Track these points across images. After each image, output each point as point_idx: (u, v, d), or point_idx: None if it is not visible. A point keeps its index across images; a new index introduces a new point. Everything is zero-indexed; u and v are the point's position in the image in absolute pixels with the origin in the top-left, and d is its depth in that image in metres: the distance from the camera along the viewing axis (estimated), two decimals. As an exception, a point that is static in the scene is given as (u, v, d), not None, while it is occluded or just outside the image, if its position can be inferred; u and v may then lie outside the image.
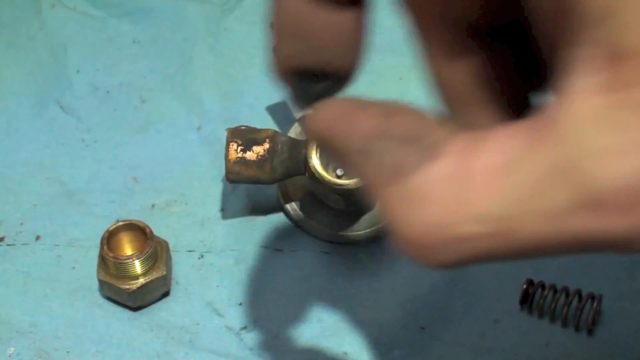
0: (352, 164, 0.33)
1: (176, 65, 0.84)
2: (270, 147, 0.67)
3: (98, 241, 0.68)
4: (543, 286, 0.66)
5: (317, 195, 0.72)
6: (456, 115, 0.36)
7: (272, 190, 0.74)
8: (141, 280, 0.66)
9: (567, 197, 0.28)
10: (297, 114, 0.75)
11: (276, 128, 0.79)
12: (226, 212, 0.74)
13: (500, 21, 0.35)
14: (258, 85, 0.82)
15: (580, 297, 0.65)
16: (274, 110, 0.81)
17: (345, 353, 0.66)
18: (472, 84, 0.36)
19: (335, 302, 0.69)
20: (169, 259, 0.68)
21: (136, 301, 0.67)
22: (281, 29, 0.36)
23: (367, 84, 0.83)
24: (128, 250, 0.69)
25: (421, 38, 0.36)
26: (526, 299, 0.66)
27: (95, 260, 0.70)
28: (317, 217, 0.72)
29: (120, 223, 0.68)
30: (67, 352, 0.66)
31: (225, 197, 0.75)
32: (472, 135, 0.31)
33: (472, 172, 0.30)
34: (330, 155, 0.34)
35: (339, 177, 0.67)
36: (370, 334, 0.67)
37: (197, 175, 0.77)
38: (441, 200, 0.30)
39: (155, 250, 0.66)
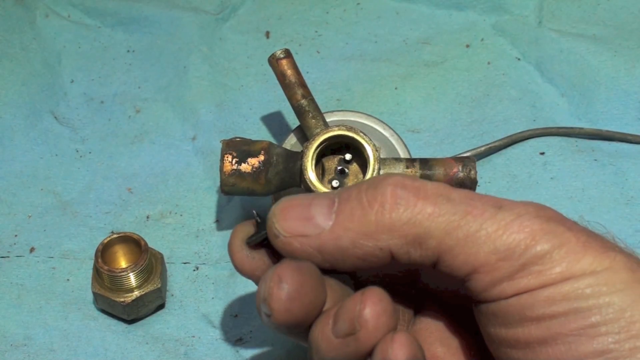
0: None
1: (171, 75, 0.84)
2: (265, 158, 0.66)
3: (92, 253, 0.68)
4: None
5: (312, 206, 0.71)
6: None
7: (267, 201, 0.74)
8: (136, 293, 0.65)
9: None
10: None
11: (271, 139, 0.79)
12: (221, 223, 0.74)
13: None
14: (253, 95, 0.82)
15: None
16: (269, 121, 0.81)
17: (341, 365, 0.66)
18: None
19: (331, 313, 0.69)
20: (163, 271, 0.68)
21: (131, 314, 0.66)
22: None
23: (362, 94, 0.83)
24: (123, 262, 0.68)
25: None
26: None
27: (89, 273, 0.69)
28: (312, 228, 0.72)
29: (115, 235, 0.67)
30: (62, 365, 0.66)
31: (220, 208, 0.75)
32: None
33: None
34: None
35: (334, 189, 0.67)
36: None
37: (191, 186, 0.76)
38: None
39: (150, 263, 0.66)
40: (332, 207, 0.42)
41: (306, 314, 0.42)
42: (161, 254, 0.69)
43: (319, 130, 0.69)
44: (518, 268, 0.40)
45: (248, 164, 0.66)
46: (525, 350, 0.40)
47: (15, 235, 0.73)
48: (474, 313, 0.43)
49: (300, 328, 0.43)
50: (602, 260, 0.39)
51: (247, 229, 0.46)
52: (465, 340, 0.47)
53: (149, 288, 0.66)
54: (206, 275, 0.71)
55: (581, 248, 0.39)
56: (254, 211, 0.46)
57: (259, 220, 0.45)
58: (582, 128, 0.78)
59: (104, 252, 0.66)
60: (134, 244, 0.67)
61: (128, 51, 0.86)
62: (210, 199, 0.75)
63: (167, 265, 0.70)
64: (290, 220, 0.43)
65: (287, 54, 0.71)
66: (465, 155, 0.74)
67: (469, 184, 0.68)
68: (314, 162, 0.66)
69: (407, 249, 0.41)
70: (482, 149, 0.76)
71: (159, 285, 0.66)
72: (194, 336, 0.67)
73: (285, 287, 0.40)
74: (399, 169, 0.68)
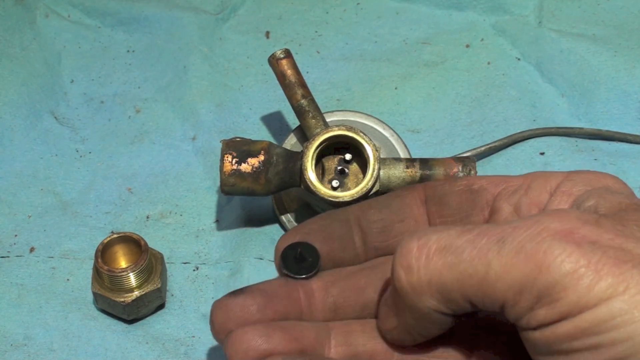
0: None
1: (171, 75, 0.84)
2: (265, 158, 0.66)
3: (92, 253, 0.68)
4: None
5: (312, 206, 0.71)
6: None
7: (267, 201, 0.74)
8: (136, 293, 0.65)
9: None
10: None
11: (271, 139, 0.79)
12: (221, 223, 0.74)
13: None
14: (253, 95, 0.82)
15: None
16: (269, 121, 0.81)
17: (341, 365, 0.66)
18: None
19: (331, 313, 0.69)
20: (163, 271, 0.68)
21: (131, 314, 0.66)
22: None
23: (362, 93, 0.83)
24: (123, 262, 0.68)
25: None
26: None
27: (89, 272, 0.69)
28: (312, 228, 0.72)
29: (115, 235, 0.67)
30: (62, 365, 0.66)
31: (220, 208, 0.75)
32: None
33: None
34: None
35: (334, 189, 0.67)
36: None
37: (191, 186, 0.76)
38: None
39: (149, 262, 0.66)
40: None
41: None
42: (161, 254, 0.69)
43: (319, 130, 0.69)
44: (534, 300, 0.40)
45: (248, 164, 0.66)
46: None
47: (15, 235, 0.73)
48: None
49: None
50: (618, 284, 0.38)
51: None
52: None
53: (149, 288, 0.66)
54: (206, 275, 0.71)
55: (593, 272, 0.38)
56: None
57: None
58: (582, 128, 0.78)
59: (104, 252, 0.66)
60: (134, 244, 0.67)
61: (128, 51, 0.86)
62: (210, 199, 0.75)
63: (167, 265, 0.70)
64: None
65: (287, 54, 0.71)
66: (465, 155, 0.74)
67: (469, 184, 0.68)
68: (314, 162, 0.66)
69: (443, 303, 0.43)
70: (482, 149, 0.76)
71: (159, 285, 0.66)
72: (194, 336, 0.67)
73: (214, 327, 0.49)
74: (399, 169, 0.68)
